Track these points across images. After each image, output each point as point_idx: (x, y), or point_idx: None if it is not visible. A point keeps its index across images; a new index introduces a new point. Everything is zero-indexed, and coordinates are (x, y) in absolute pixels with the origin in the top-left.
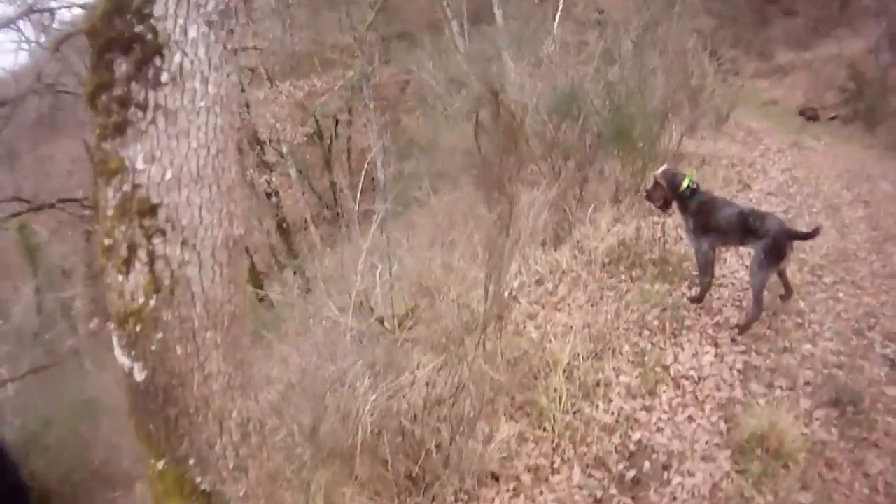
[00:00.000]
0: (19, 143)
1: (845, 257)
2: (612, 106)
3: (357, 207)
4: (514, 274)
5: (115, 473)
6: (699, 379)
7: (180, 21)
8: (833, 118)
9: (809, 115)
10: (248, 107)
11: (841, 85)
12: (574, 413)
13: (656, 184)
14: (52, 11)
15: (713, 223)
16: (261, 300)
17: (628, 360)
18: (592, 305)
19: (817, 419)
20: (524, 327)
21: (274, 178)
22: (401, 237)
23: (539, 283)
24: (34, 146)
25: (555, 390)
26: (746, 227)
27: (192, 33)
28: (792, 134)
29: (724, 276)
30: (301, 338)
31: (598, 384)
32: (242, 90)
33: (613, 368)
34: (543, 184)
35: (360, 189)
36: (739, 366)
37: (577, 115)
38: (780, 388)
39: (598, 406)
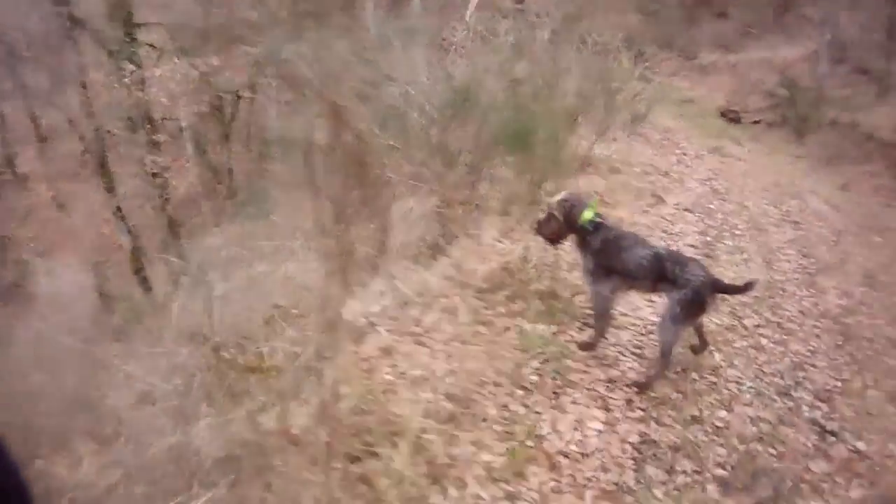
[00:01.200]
0: None
1: (771, 293)
2: (515, 105)
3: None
4: (378, 294)
5: None
6: (581, 456)
7: None
8: (756, 122)
9: (731, 117)
10: (143, 83)
11: (769, 90)
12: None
13: (550, 215)
14: None
15: (620, 265)
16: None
17: (493, 430)
18: (462, 343)
19: None
20: (376, 363)
21: (162, 158)
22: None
23: (404, 306)
24: None
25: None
26: (662, 274)
27: None
28: (712, 138)
29: (624, 316)
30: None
31: (451, 463)
32: (139, 66)
33: (474, 442)
34: (424, 189)
35: None
36: (634, 438)
37: (473, 112)
38: (685, 472)
39: (447, 492)
